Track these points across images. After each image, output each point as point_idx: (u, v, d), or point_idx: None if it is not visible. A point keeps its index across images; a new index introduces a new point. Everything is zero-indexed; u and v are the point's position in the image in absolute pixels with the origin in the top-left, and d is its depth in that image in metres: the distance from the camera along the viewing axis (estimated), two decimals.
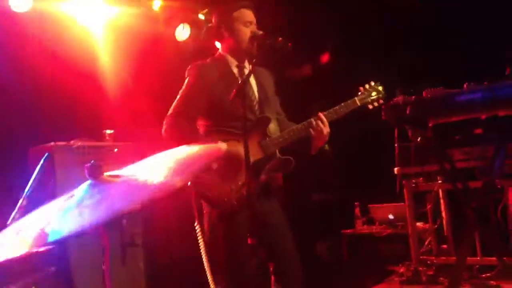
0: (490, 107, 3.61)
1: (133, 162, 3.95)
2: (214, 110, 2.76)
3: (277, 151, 2.78)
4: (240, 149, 2.58)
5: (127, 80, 4.57)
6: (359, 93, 2.98)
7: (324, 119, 2.79)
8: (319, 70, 5.22)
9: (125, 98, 4.53)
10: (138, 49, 4.59)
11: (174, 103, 2.79)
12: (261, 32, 2.78)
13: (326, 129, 2.79)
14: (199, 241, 2.81)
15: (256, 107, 2.85)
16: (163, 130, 2.76)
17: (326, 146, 2.96)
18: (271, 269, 2.86)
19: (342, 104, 2.90)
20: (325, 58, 5.47)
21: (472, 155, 3.75)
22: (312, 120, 2.78)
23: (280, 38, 2.66)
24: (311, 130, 2.77)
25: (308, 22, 5.12)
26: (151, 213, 4.12)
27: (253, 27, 2.82)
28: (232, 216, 2.65)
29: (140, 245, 3.96)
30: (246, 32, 2.80)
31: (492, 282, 3.71)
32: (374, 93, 3.00)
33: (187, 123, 2.75)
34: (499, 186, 3.91)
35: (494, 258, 3.92)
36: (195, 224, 2.81)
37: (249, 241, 2.55)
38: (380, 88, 3.03)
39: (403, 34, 5.06)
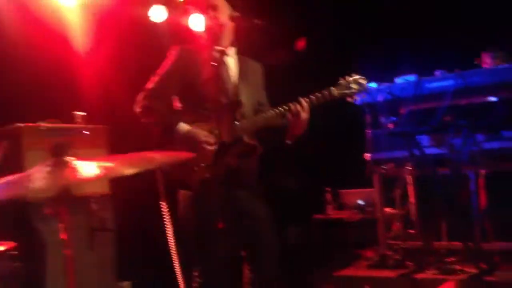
0: (461, 95, 3.68)
1: (105, 145, 3.91)
2: (188, 92, 2.78)
3: (245, 136, 2.73)
4: (205, 131, 2.66)
5: (101, 61, 4.47)
6: (338, 84, 2.84)
7: (304, 104, 2.70)
8: (298, 57, 5.20)
9: (99, 80, 4.43)
10: (112, 30, 4.50)
11: (149, 82, 2.82)
12: (237, 14, 2.81)
13: (305, 114, 2.70)
14: (167, 226, 2.81)
15: (232, 92, 2.83)
16: (136, 107, 2.79)
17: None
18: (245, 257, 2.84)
19: (319, 93, 2.78)
20: (301, 44, 5.43)
21: (441, 142, 3.81)
22: (290, 104, 2.71)
23: (256, 20, 2.69)
24: (289, 114, 2.69)
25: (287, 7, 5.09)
26: (122, 198, 4.07)
27: (230, 11, 2.83)
28: (204, 200, 2.64)
29: (110, 230, 3.91)
30: (222, 17, 2.81)
31: (456, 266, 3.79)
32: (354, 86, 2.84)
33: (159, 102, 2.77)
34: (466, 173, 3.99)
35: (459, 243, 4.01)
36: (162, 205, 2.82)
37: (220, 226, 2.56)
38: (362, 81, 2.85)
39: (377, 22, 5.08)
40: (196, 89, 2.73)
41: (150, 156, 2.04)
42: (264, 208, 2.86)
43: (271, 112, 2.75)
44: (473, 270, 3.67)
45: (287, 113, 2.70)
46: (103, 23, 4.45)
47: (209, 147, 2.65)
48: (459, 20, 4.62)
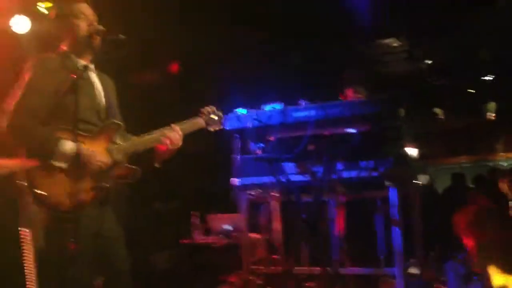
0: (323, 125, 3.84)
1: None
2: (60, 109, 2.58)
3: (124, 159, 2.70)
4: (88, 152, 2.51)
5: None
6: (203, 115, 3.10)
7: (180, 131, 2.82)
8: (165, 79, 5.14)
9: None
10: None
11: (17, 100, 2.54)
12: (102, 28, 2.72)
13: (180, 142, 2.81)
14: (24, 251, 2.62)
15: (103, 112, 2.75)
16: (6, 130, 2.51)
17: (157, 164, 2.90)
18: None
19: (190, 121, 2.97)
20: (174, 67, 5.39)
21: (305, 170, 3.93)
22: (166, 131, 2.79)
23: (121, 35, 2.65)
24: (166, 140, 2.76)
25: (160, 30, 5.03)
26: None
27: (94, 22, 2.74)
28: (74, 224, 2.45)
29: None
30: (85, 27, 2.72)
31: None
32: (215, 117, 3.15)
33: (33, 122, 2.52)
34: (326, 200, 4.16)
35: (318, 268, 4.14)
36: (20, 230, 2.64)
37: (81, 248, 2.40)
38: (220, 113, 3.18)
39: (249, 50, 5.21)
40: (68, 105, 2.55)
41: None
42: (120, 230, 2.78)
43: (149, 136, 2.78)
44: None
45: (164, 138, 2.77)
46: None
47: (97, 169, 2.54)
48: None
